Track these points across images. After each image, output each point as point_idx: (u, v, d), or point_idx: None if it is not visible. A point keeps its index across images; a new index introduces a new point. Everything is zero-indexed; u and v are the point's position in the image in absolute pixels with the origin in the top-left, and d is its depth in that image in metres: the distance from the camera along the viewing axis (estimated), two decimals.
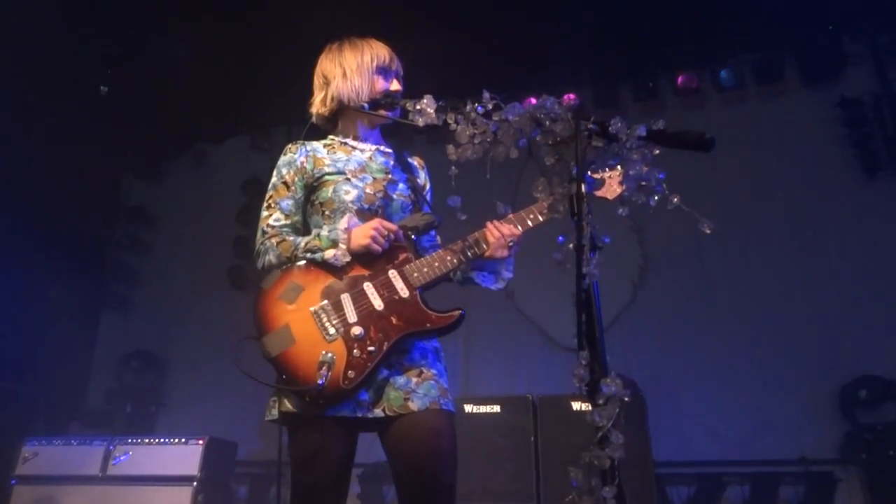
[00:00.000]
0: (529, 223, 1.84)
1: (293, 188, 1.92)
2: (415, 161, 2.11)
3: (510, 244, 1.82)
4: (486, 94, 1.34)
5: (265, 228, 1.91)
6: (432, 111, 1.47)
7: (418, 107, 1.52)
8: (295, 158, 1.95)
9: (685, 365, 4.71)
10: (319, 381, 1.61)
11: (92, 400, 5.91)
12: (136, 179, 6.75)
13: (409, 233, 1.85)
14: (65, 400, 5.71)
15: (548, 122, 1.24)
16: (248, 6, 4.93)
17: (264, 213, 1.93)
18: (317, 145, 1.99)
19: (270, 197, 1.94)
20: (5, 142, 5.04)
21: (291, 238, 1.86)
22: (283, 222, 1.90)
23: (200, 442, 4.04)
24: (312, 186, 1.91)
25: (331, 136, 2.04)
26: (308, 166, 1.92)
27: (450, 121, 1.42)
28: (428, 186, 2.08)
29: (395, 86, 2.00)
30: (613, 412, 1.02)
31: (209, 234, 6.19)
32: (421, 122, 1.52)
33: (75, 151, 5.69)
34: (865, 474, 4.11)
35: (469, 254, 1.82)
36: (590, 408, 1.09)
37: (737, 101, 5.33)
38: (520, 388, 4.79)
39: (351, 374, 1.65)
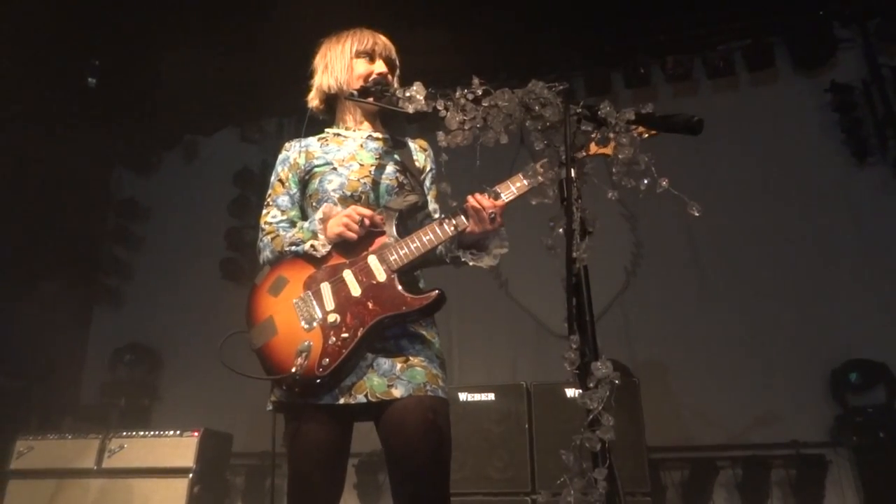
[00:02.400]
0: (514, 190, 1.74)
1: (288, 184, 1.97)
2: (414, 144, 2.08)
3: (492, 216, 1.72)
4: (476, 81, 1.34)
5: (262, 226, 1.96)
6: (422, 98, 1.47)
7: (408, 94, 1.52)
8: (288, 156, 2.01)
9: (678, 350, 4.74)
10: (293, 369, 1.64)
11: (86, 394, 5.90)
12: (127, 172, 6.71)
13: (392, 215, 1.81)
14: (58, 395, 5.69)
15: (537, 107, 1.23)
16: None
17: (263, 212, 1.98)
18: (311, 140, 2.02)
19: (269, 195, 2.00)
20: None
21: (283, 233, 1.89)
22: (279, 218, 1.94)
23: (195, 434, 4.03)
24: (305, 180, 1.95)
25: (326, 129, 2.07)
26: (300, 161, 1.97)
27: (439, 107, 1.42)
28: (428, 168, 2.05)
29: (380, 67, 1.99)
30: (604, 395, 1.03)
31: (201, 226, 6.16)
32: (411, 108, 1.52)
33: (65, 145, 5.64)
34: (856, 456, 4.15)
35: (448, 229, 1.75)
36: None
37: (728, 87, 5.34)
38: (514, 375, 4.81)
39: (326, 361, 1.66)
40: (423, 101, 1.45)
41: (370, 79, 1.94)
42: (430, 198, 1.99)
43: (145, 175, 6.65)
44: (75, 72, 5.69)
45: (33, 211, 5.47)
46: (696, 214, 1.20)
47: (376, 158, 1.95)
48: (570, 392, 3.70)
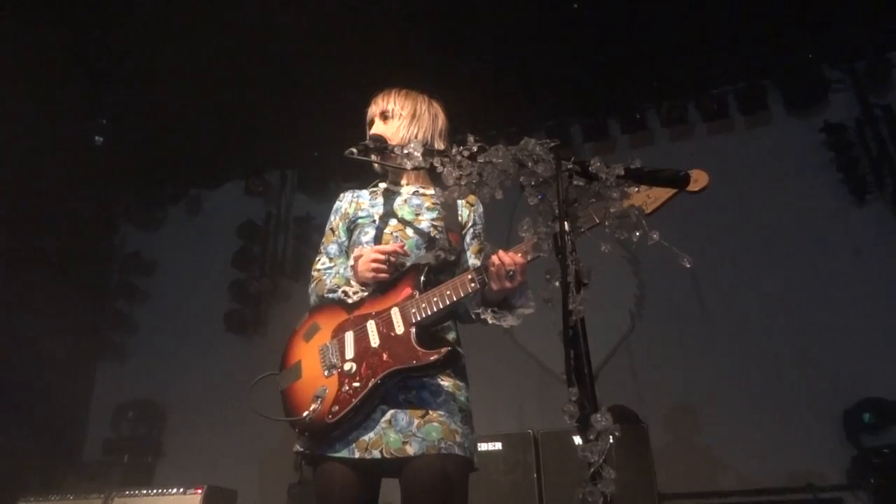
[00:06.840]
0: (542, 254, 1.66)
1: (337, 233, 2.06)
2: (462, 199, 2.05)
3: (510, 274, 1.66)
4: (471, 138, 1.38)
5: (313, 273, 2.03)
6: (419, 155, 1.51)
7: (406, 151, 1.56)
8: (341, 205, 2.11)
9: (687, 394, 4.68)
10: (304, 413, 1.68)
11: (89, 452, 5.83)
12: (133, 227, 6.79)
13: (420, 270, 1.82)
14: (61, 454, 5.63)
15: (530, 163, 1.27)
16: (242, 54, 5.03)
17: (315, 259, 2.06)
18: (363, 192, 2.12)
19: (322, 243, 2.09)
20: (2, 193, 5.09)
21: (325, 279, 1.97)
22: (327, 265, 2.02)
23: (198, 491, 3.96)
24: (350, 230, 2.03)
25: (379, 183, 2.14)
26: (350, 211, 2.06)
27: (436, 164, 1.46)
28: (471, 223, 2.02)
29: (373, 129, 2.04)
30: (605, 447, 1.03)
31: (205, 279, 6.19)
32: (409, 165, 1.56)
33: (72, 201, 5.75)
34: (875, 499, 4.05)
35: (469, 286, 1.72)
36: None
37: (723, 130, 5.42)
38: (520, 423, 4.75)
39: (335, 408, 1.68)
40: (421, 158, 1.50)
41: (367, 139, 1.99)
42: (470, 252, 1.98)
43: (151, 230, 6.72)
44: (82, 131, 5.83)
45: (39, 267, 5.51)
46: (688, 266, 1.22)
47: (416, 214, 1.98)
48: (578, 440, 3.64)
